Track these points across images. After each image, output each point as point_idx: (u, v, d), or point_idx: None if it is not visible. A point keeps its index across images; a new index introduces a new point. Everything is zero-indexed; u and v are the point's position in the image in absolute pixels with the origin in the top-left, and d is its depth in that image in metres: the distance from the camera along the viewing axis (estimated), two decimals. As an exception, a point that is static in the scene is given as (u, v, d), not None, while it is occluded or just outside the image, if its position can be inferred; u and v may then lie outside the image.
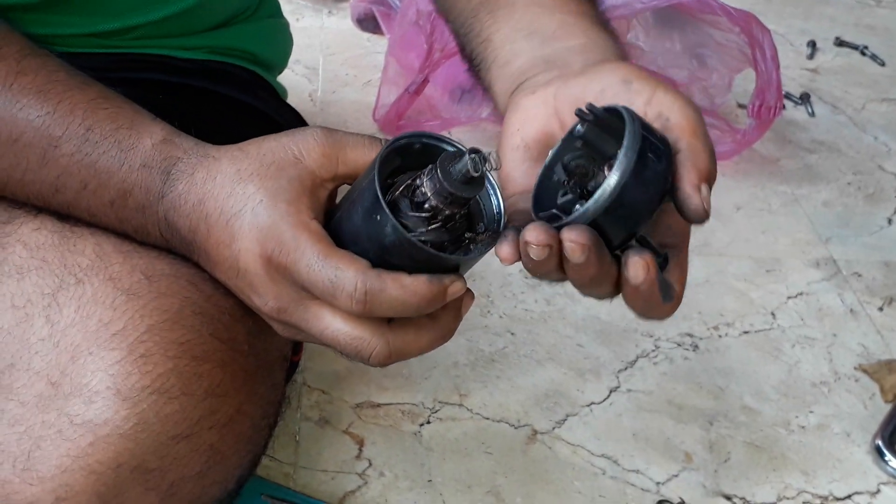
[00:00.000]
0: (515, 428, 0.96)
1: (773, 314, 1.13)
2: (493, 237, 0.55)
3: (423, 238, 0.54)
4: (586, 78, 0.58)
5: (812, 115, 1.51)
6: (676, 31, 1.41)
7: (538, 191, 0.56)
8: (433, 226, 0.54)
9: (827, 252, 1.24)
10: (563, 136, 0.57)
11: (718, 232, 1.25)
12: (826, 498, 0.92)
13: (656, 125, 0.54)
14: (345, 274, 0.54)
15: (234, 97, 0.81)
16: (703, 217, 0.54)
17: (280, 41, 0.90)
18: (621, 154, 0.51)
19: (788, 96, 1.51)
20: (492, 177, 0.56)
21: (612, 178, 0.51)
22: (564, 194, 0.56)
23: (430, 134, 0.56)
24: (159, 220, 0.60)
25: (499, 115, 0.64)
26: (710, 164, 0.54)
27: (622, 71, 0.57)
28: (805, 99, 1.53)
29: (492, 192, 0.56)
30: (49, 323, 0.60)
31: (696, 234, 1.26)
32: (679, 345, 1.08)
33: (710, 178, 0.54)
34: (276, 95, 0.88)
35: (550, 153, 0.57)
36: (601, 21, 0.65)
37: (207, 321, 0.61)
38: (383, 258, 0.54)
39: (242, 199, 0.57)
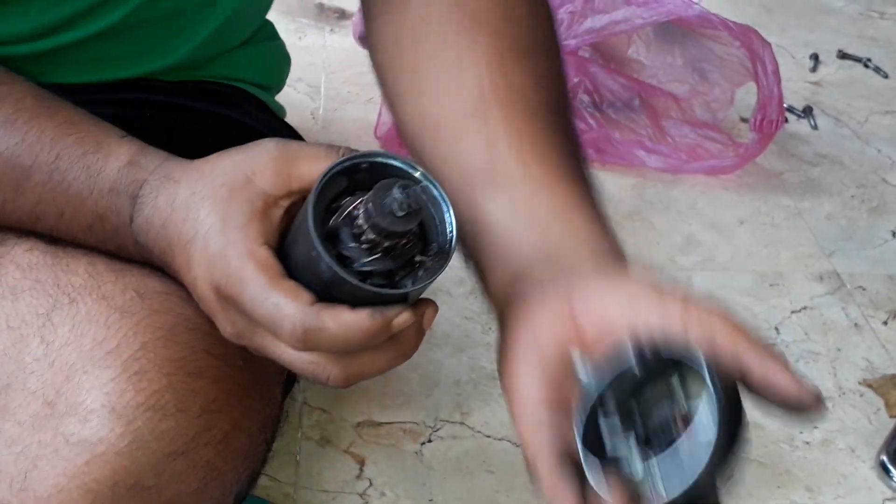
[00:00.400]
0: (517, 446, 0.96)
1: (776, 329, 1.13)
2: (443, 260, 0.52)
3: (366, 269, 0.52)
4: (608, 286, 0.54)
5: (815, 128, 1.50)
6: (677, 46, 1.41)
7: (586, 429, 0.51)
8: (376, 256, 0.52)
9: (830, 266, 1.23)
10: (588, 354, 0.52)
11: (721, 246, 1.25)
12: (831, 514, 0.92)
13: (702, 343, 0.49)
14: (283, 312, 0.52)
15: (225, 115, 0.81)
16: (818, 398, 0.49)
17: (274, 64, 0.90)
18: (712, 434, 0.46)
19: (791, 109, 1.51)
20: (441, 189, 0.53)
21: (702, 465, 0.46)
22: (611, 427, 0.50)
23: (378, 153, 0.53)
24: (133, 243, 0.60)
25: (491, 304, 0.59)
26: (776, 352, 0.50)
27: (643, 281, 0.53)
28: (808, 112, 1.52)
29: (445, 208, 0.53)
30: (44, 343, 0.60)
31: (700, 249, 1.26)
32: (682, 360, 1.07)
33: (785, 363, 0.50)
34: (272, 114, 0.88)
35: (593, 385, 0.51)
36: (600, 209, 0.61)
37: (201, 337, 0.61)
38: (326, 291, 0.52)
39: (195, 225, 0.56)
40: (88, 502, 0.58)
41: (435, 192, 0.53)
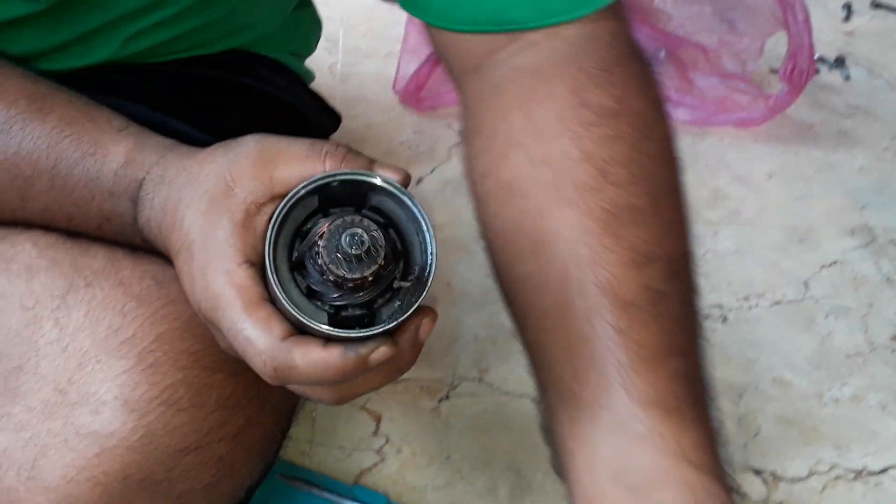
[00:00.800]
0: (536, 403, 0.94)
1: (805, 284, 1.10)
2: (420, 289, 0.48)
3: (338, 303, 0.48)
4: None
5: (847, 79, 1.46)
6: (705, -5, 1.37)
7: None
8: (344, 291, 0.48)
9: (862, 219, 1.19)
10: None
11: (749, 200, 1.22)
12: (860, 472, 0.89)
13: None
14: (254, 347, 0.49)
15: (248, 85, 0.78)
16: None
17: (306, 33, 0.87)
18: None
19: (823, 60, 1.47)
20: (420, 208, 0.49)
21: None
22: None
23: (347, 172, 0.49)
24: (142, 241, 0.58)
25: None
26: None
27: None
28: (840, 63, 1.48)
29: (425, 227, 0.49)
30: (58, 326, 0.58)
31: (727, 203, 1.22)
32: (708, 316, 1.04)
33: None
34: (298, 80, 0.86)
35: None
36: (702, 460, 0.53)
37: None
38: (297, 325, 0.49)
39: (179, 238, 0.53)
40: (97, 495, 0.57)
41: (416, 212, 0.49)
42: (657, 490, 0.52)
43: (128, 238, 0.59)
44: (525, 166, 0.58)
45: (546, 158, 0.58)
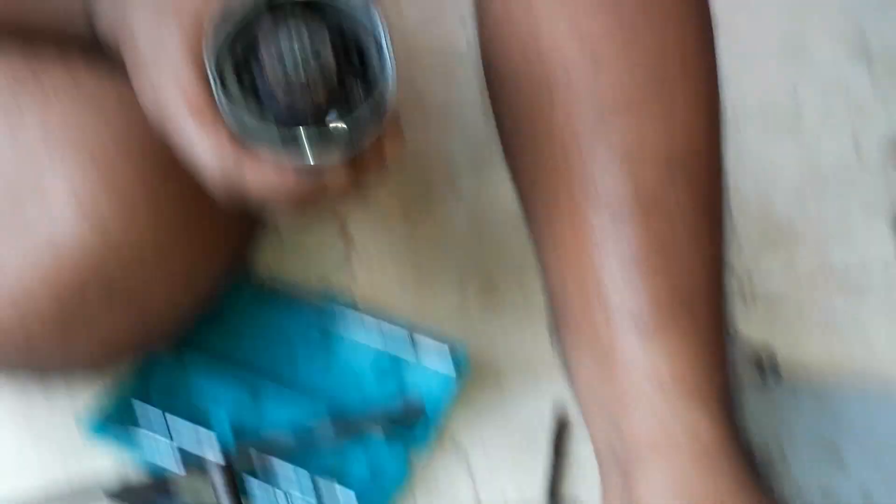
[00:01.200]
0: (512, 217, 0.92)
1: (794, 92, 1.06)
2: (377, 109, 0.46)
3: (291, 124, 0.45)
4: None
5: None
6: None
7: None
8: (296, 112, 0.45)
9: (858, 34, 1.15)
10: None
11: (740, 14, 1.17)
12: (838, 268, 0.89)
13: None
14: (202, 159, 0.47)
15: None
16: None
17: None
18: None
19: None
20: (378, 20, 0.45)
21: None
22: None
23: None
24: (102, 49, 0.57)
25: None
26: None
27: None
28: None
29: (384, 41, 0.46)
30: (12, 134, 0.57)
31: (716, 18, 1.17)
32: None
33: None
34: None
35: None
36: (681, 384, 0.50)
37: None
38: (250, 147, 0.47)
39: (131, 49, 0.51)
40: (53, 295, 0.56)
41: (375, 25, 0.46)
42: (626, 417, 0.50)
43: (87, 47, 0.58)
44: (536, 89, 0.57)
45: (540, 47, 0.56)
